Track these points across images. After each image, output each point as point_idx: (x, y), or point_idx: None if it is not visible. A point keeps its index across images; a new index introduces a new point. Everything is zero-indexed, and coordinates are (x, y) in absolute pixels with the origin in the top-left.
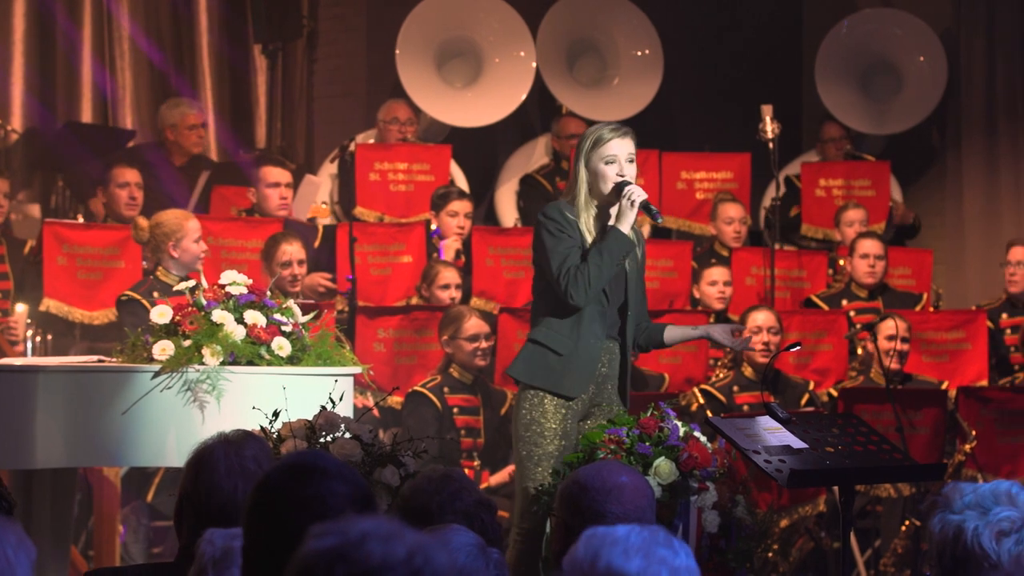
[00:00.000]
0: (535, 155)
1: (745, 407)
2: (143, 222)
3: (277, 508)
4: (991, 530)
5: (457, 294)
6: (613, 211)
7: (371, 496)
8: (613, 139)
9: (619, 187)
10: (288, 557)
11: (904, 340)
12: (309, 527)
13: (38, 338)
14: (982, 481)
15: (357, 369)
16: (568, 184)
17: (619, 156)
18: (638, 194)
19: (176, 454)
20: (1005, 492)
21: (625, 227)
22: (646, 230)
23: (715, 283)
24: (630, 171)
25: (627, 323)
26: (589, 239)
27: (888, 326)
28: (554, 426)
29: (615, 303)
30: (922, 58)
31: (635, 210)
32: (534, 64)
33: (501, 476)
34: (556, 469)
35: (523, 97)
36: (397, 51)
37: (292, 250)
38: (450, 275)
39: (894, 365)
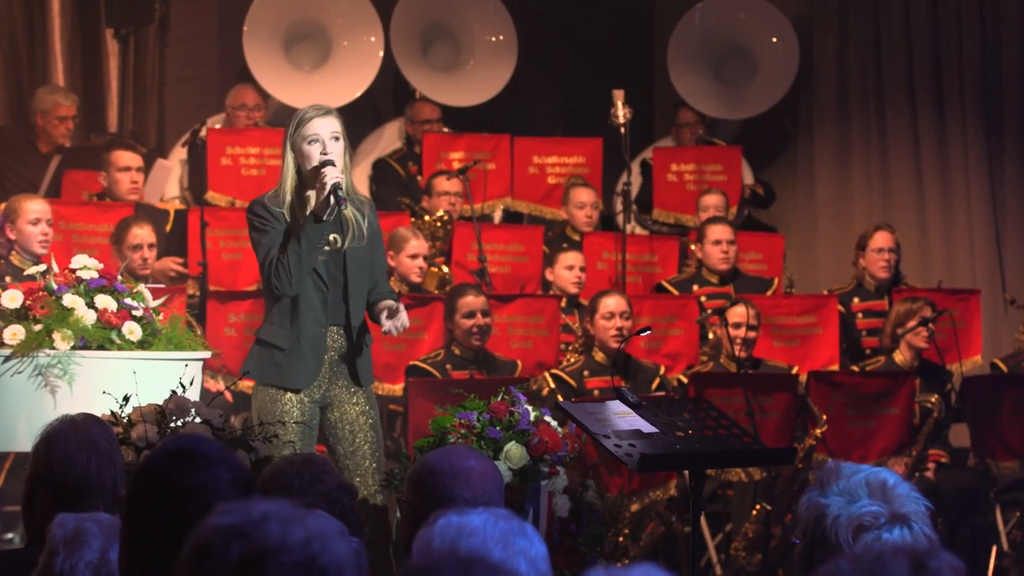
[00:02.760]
0: (388, 140)
1: (596, 392)
2: (1, 206)
3: (161, 497)
4: (851, 523)
5: None
6: (311, 193)
7: (251, 480)
8: (314, 118)
9: (322, 166)
10: (171, 545)
11: (751, 327)
12: (193, 515)
13: None
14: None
15: (207, 353)
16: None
17: (321, 135)
18: (331, 176)
19: (27, 439)
20: (880, 484)
21: (320, 211)
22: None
23: (571, 268)
24: (335, 149)
25: (351, 307)
26: (298, 223)
27: (736, 312)
28: (279, 415)
29: (336, 288)
30: (775, 39)
31: (324, 193)
32: (383, 47)
33: None
34: (405, 454)
35: (371, 80)
36: (245, 33)
37: (143, 234)
38: None
39: (741, 352)
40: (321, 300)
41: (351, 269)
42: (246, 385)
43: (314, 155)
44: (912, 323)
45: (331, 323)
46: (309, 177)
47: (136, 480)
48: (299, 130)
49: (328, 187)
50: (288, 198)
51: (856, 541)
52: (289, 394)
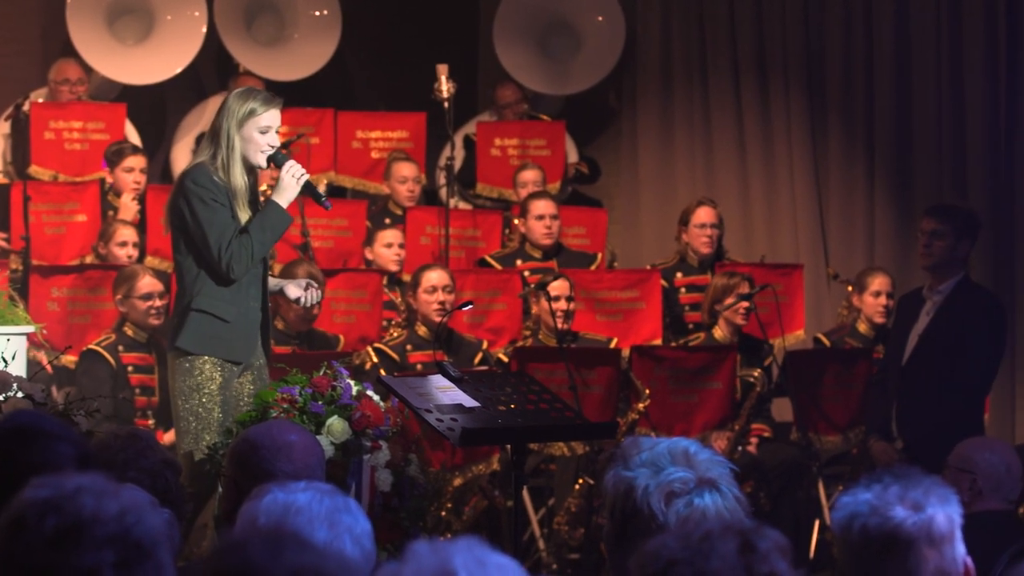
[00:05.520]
0: (211, 114)
1: (419, 366)
2: None
3: (3, 476)
4: (661, 491)
5: (135, 252)
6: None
7: (90, 454)
8: (270, 110)
9: (274, 158)
10: None
11: (569, 299)
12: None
13: None
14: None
15: (30, 328)
16: (210, 143)
17: (272, 127)
18: (300, 171)
19: None
20: (682, 452)
21: (284, 200)
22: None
23: (390, 245)
24: (276, 143)
25: (265, 277)
26: (237, 203)
27: (556, 286)
28: (218, 389)
29: (260, 264)
30: (600, 18)
31: (299, 187)
32: (206, 21)
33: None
34: (228, 428)
35: (194, 55)
36: (68, 6)
37: None
38: (128, 233)
39: (560, 324)
40: (255, 276)
41: None
42: (69, 360)
43: (262, 144)
44: (730, 299)
45: (259, 297)
46: (247, 160)
47: None
48: (254, 117)
49: (302, 180)
50: (241, 181)
51: (669, 508)
52: (229, 366)
